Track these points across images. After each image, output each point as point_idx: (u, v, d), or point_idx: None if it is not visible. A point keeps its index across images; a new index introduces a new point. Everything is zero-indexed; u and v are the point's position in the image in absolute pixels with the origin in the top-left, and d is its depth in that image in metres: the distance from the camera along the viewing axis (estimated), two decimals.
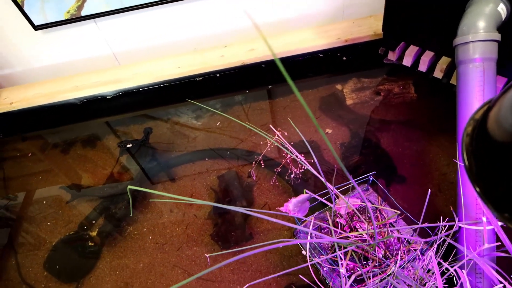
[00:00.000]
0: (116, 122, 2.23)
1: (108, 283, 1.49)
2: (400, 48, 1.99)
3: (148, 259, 1.54)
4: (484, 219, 0.93)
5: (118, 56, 2.30)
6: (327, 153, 1.76)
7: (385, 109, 1.92)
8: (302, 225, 1.24)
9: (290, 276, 1.40)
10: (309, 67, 2.26)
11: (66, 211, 1.78)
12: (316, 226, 1.24)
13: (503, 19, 1.30)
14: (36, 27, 2.06)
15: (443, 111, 1.84)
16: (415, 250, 1.08)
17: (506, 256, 0.91)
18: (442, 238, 0.97)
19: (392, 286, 0.90)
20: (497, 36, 1.25)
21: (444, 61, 1.82)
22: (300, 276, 1.33)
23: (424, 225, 0.98)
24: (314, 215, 1.19)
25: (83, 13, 2.04)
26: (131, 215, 1.67)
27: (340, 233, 1.13)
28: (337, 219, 1.17)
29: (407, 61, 1.93)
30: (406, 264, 0.93)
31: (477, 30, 1.25)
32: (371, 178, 1.24)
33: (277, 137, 1.20)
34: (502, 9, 1.29)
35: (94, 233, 1.65)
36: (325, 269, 1.12)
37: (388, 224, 1.19)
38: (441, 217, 1.06)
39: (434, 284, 0.88)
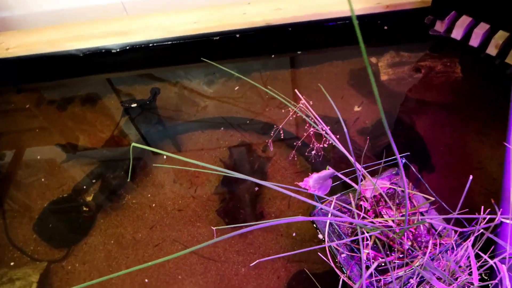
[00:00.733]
0: (119, 80, 2.23)
1: (101, 252, 1.52)
2: (450, 18, 1.92)
3: (146, 231, 1.56)
4: None
5: (126, 5, 2.28)
6: (353, 132, 1.74)
7: (424, 89, 1.87)
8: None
9: (301, 263, 1.41)
10: (341, 34, 2.20)
11: (60, 172, 1.81)
12: (336, 209, 1.23)
13: None
14: None
15: (493, 96, 1.79)
16: (445, 243, 1.07)
17: None
18: (480, 231, 0.95)
19: (418, 278, 0.90)
20: None
21: (501, 36, 1.75)
22: (319, 254, 1.33)
23: (461, 215, 0.96)
24: (335, 196, 1.18)
25: None
26: (128, 179, 1.69)
27: (363, 217, 1.13)
28: (361, 203, 1.16)
29: (457, 34, 1.86)
30: (438, 255, 0.93)
31: None
32: (403, 160, 1.22)
33: (301, 106, 1.18)
34: None
35: (89, 198, 1.68)
36: (343, 255, 1.12)
37: (418, 213, 1.18)
38: (481, 209, 1.04)
39: (466, 279, 0.87)
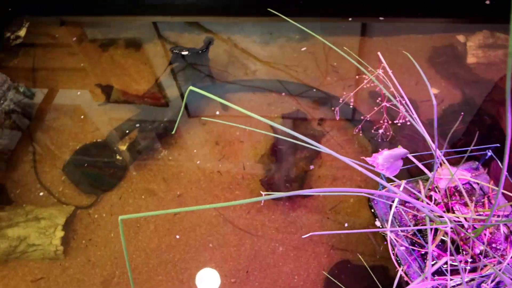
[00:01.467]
0: (166, 26, 2.25)
1: (130, 206, 1.58)
2: None
3: (180, 191, 1.60)
4: None
5: None
6: (426, 115, 1.68)
7: None
8: (384, 190, 1.21)
9: (346, 252, 1.40)
10: (425, 3, 2.10)
11: (95, 116, 1.87)
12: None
13: None
14: None
15: None
16: None
17: None
18: None
19: (493, 284, 0.86)
20: None
21: None
22: (370, 238, 1.32)
23: None
24: (404, 181, 1.14)
25: None
26: (173, 132, 1.72)
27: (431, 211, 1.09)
28: (432, 193, 1.13)
29: None
30: None
31: None
32: (488, 153, 1.17)
33: (379, 74, 1.15)
34: None
35: (123, 147, 1.73)
36: (402, 248, 1.10)
37: (501, 215, 1.13)
38: None
39: None
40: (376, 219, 1.38)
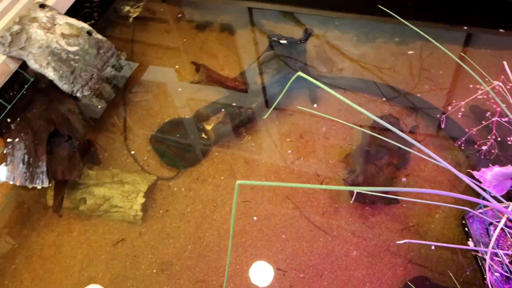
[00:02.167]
0: (261, 14, 2.31)
1: (209, 185, 1.66)
2: None
3: (259, 178, 1.66)
4: None
5: None
6: None
7: None
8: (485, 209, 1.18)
9: (425, 269, 1.38)
10: None
11: (186, 92, 1.98)
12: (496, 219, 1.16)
13: None
14: None
15: None
16: None
17: None
18: None
19: None
20: None
21: None
22: (460, 257, 1.28)
23: None
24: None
25: None
26: (265, 116, 1.78)
27: None
28: None
29: None
30: None
31: None
32: None
33: (499, 85, 1.11)
34: None
35: (208, 127, 1.82)
36: (496, 275, 1.06)
37: None
38: None
39: None
40: (470, 239, 1.34)
